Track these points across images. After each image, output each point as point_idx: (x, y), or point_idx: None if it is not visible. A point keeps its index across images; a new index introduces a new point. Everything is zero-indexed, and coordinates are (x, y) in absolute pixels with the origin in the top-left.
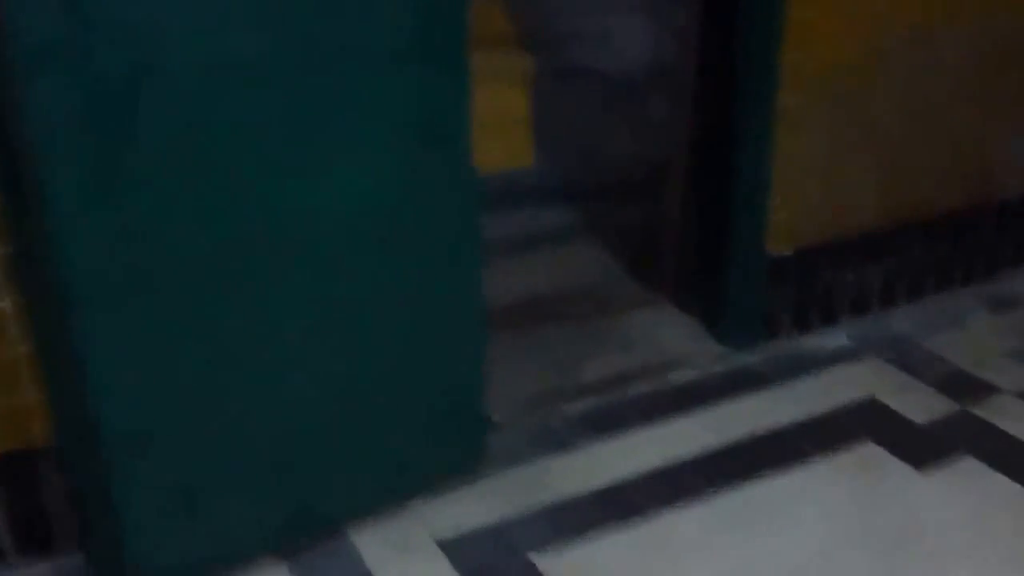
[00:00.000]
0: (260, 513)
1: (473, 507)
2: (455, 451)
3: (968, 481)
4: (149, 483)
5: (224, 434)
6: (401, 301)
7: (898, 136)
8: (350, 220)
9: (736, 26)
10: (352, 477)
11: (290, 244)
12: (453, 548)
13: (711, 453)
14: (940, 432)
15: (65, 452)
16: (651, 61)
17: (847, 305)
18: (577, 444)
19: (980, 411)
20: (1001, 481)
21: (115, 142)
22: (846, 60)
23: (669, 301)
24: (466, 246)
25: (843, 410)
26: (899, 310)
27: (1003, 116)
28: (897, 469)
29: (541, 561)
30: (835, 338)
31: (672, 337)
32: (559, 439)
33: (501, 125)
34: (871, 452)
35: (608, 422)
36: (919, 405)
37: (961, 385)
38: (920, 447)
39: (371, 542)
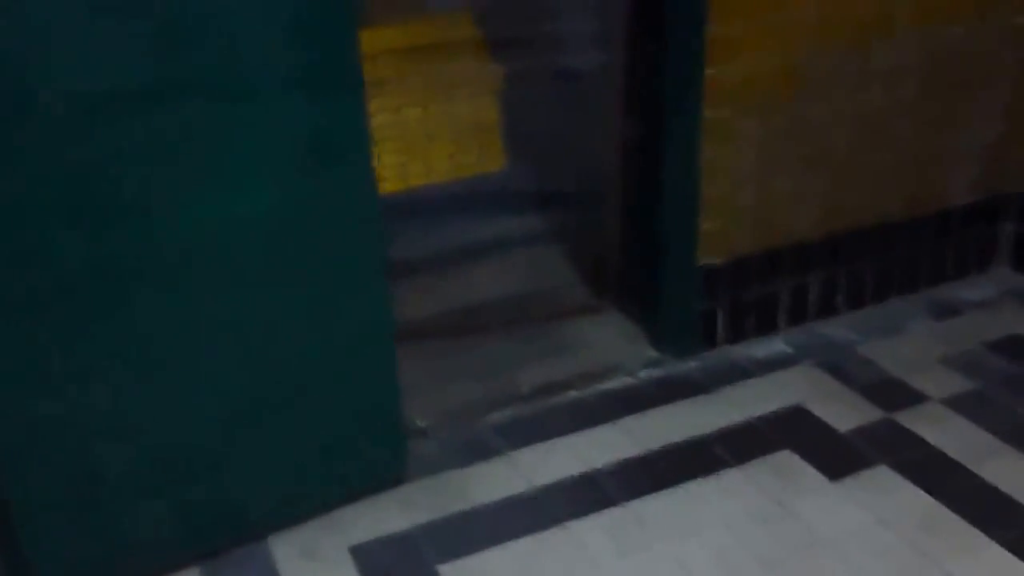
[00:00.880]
0: (173, 522)
1: (390, 515)
2: (375, 460)
3: (878, 491)
4: (47, 495)
5: (131, 445)
6: (304, 317)
7: (834, 147)
8: (243, 243)
9: (663, 37)
10: (268, 486)
11: (186, 266)
12: (364, 555)
13: (629, 462)
14: (860, 440)
15: None
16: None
17: (785, 313)
18: (501, 452)
19: (904, 419)
20: (911, 491)
21: None
22: (774, 73)
23: (615, 308)
24: (369, 263)
25: (768, 418)
26: (838, 318)
27: (941, 125)
28: (810, 478)
29: (446, 569)
30: (771, 346)
31: (611, 344)
32: (484, 447)
33: (472, 131)
34: (787, 461)
35: (534, 430)
36: (845, 413)
37: (890, 393)
38: (837, 456)
39: (286, 549)
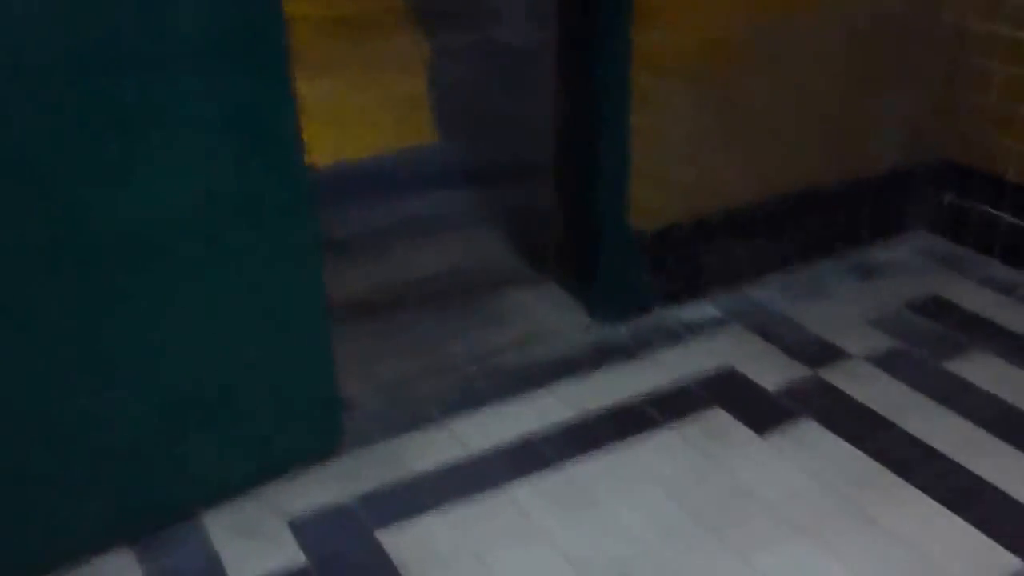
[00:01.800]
0: (104, 503)
1: (327, 487)
2: (310, 435)
3: (805, 445)
4: None
5: (59, 427)
6: (236, 296)
7: (761, 115)
8: (168, 223)
9: (592, 9)
10: (201, 464)
11: (107, 249)
12: (302, 529)
13: (565, 427)
14: (788, 398)
15: None
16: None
17: (716, 278)
18: (436, 421)
19: (830, 376)
20: (838, 444)
21: None
22: (703, 44)
23: (552, 279)
24: (299, 239)
25: (699, 378)
26: (767, 282)
27: (865, 94)
28: (740, 435)
29: (386, 538)
30: (703, 310)
31: (547, 313)
32: (419, 417)
33: (402, 104)
34: (719, 419)
35: (470, 399)
36: (772, 372)
37: (816, 351)
38: (766, 413)
39: (221, 526)
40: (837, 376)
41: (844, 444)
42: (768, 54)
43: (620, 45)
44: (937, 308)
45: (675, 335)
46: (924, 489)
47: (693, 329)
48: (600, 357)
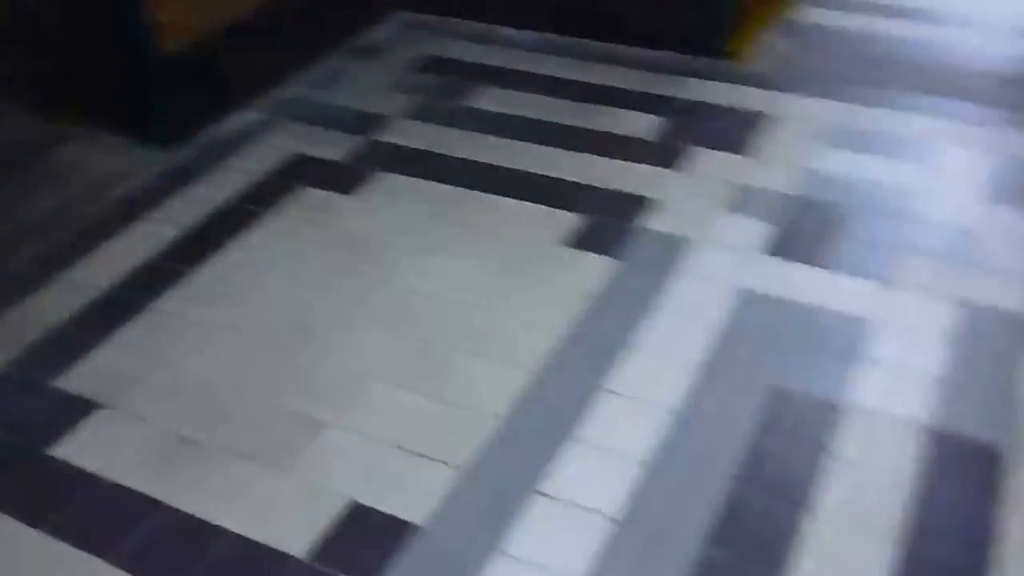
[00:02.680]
0: None
1: None
2: None
3: (390, 190)
4: None
5: None
6: None
7: None
8: None
9: None
10: None
11: None
12: None
13: (177, 243)
14: (356, 161)
15: None
16: None
17: (249, 86)
18: (47, 279)
19: (379, 136)
20: (413, 182)
21: None
22: None
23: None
24: None
25: (275, 170)
26: (294, 79)
27: None
28: (334, 201)
29: (67, 383)
30: (249, 117)
31: (104, 159)
32: (30, 280)
33: None
34: (308, 195)
35: (70, 252)
36: (334, 147)
37: (361, 122)
38: (346, 177)
39: None
40: (385, 134)
41: (419, 181)
42: None
43: None
44: (437, 65)
45: (234, 142)
46: (498, 192)
47: (248, 134)
48: (175, 182)
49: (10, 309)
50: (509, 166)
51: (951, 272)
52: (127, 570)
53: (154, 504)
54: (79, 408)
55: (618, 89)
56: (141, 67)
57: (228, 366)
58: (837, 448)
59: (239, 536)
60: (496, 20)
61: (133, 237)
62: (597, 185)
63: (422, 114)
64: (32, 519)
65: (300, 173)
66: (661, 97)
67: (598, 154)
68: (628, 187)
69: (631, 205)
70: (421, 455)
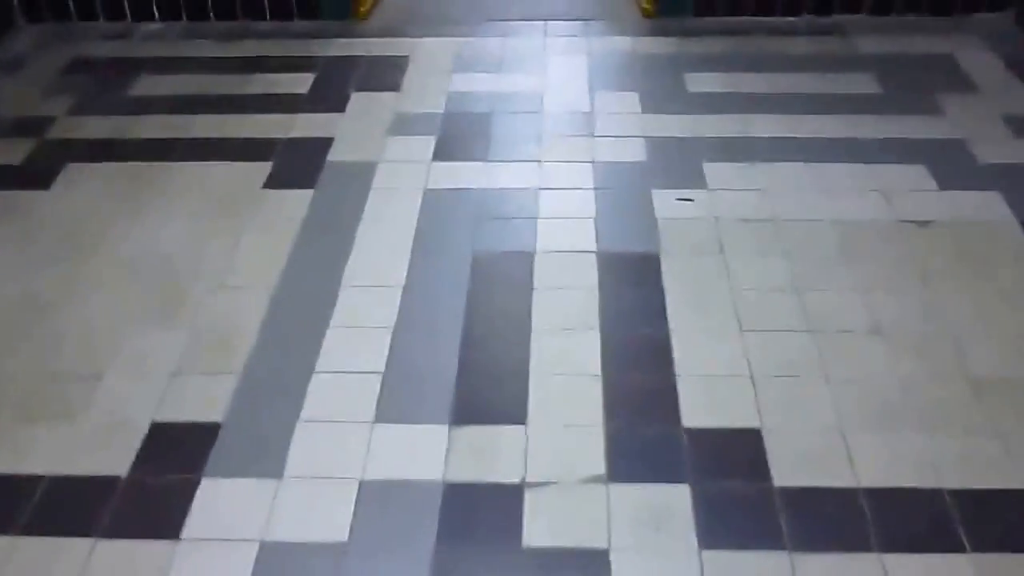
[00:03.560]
0: None
1: None
2: None
3: (84, 176)
4: None
5: None
6: None
7: None
8: None
9: None
10: None
11: None
12: None
13: None
14: (42, 159)
15: None
16: None
17: None
18: None
19: (54, 134)
20: (101, 166)
21: None
22: None
23: None
24: None
25: None
26: None
27: None
28: (33, 197)
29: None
30: None
31: None
32: None
33: None
34: (4, 198)
35: None
36: (8, 154)
37: (27, 126)
38: (37, 176)
39: None
40: (58, 132)
41: (112, 164)
42: None
43: None
44: (85, 65)
45: None
46: (191, 159)
47: None
48: None
49: None
50: (192, 136)
51: (580, 144)
52: None
53: None
54: None
55: (266, 57)
56: None
57: None
58: (538, 282)
59: (57, 476)
60: (134, 17)
61: None
62: (279, 136)
63: (87, 109)
64: None
65: None
66: (308, 58)
67: (270, 112)
68: (306, 133)
69: (313, 146)
70: (201, 373)
